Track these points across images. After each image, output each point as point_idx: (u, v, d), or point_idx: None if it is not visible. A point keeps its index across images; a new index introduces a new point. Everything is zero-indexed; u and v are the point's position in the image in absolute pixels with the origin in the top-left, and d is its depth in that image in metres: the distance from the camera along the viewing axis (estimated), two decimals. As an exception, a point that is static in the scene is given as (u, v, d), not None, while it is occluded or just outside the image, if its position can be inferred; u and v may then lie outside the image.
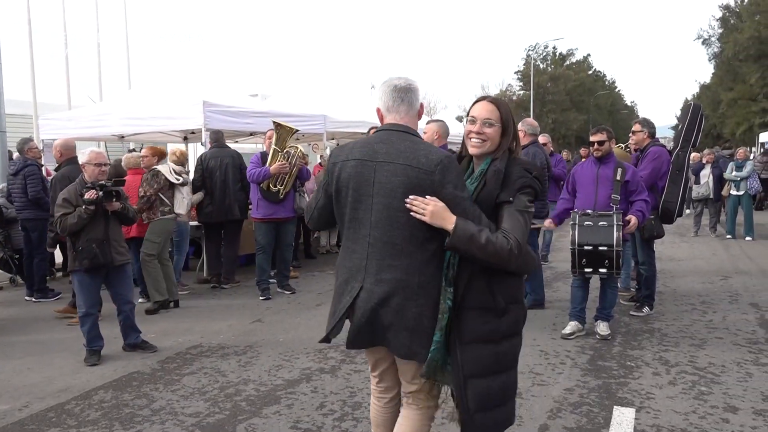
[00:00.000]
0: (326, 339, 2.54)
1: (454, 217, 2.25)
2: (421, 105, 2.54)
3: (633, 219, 5.22)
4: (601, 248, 5.13)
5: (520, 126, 6.61)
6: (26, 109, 11.57)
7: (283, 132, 7.03)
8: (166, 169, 6.83)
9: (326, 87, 14.31)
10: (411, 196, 2.29)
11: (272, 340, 5.51)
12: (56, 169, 6.71)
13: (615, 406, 3.96)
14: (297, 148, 7.23)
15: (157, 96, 9.38)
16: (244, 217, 7.87)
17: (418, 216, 2.27)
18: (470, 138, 2.44)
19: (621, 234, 5.08)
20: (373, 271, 2.38)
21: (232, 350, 5.23)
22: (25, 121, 11.73)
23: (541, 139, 8.12)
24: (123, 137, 10.80)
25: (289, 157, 7.01)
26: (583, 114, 55.06)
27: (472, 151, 2.46)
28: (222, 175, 7.60)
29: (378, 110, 2.53)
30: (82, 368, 4.87)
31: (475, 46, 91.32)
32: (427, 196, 2.28)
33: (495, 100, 2.50)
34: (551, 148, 9.89)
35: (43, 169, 7.81)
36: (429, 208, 2.26)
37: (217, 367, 4.82)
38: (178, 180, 6.86)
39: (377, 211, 2.36)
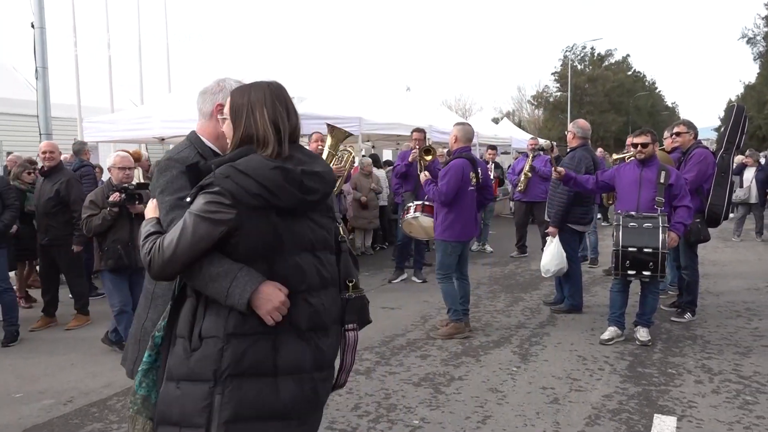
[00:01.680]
0: None
1: (147, 218, 2.02)
2: (217, 105, 2.26)
3: (673, 235, 5.09)
4: (645, 250, 5.02)
5: (570, 127, 6.51)
6: (71, 112, 11.89)
7: (338, 134, 7.08)
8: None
9: (362, 89, 14.34)
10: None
11: (308, 340, 5.54)
12: (44, 173, 6.16)
13: (655, 414, 3.87)
14: (349, 151, 7.27)
15: (195, 99, 9.54)
16: None
17: None
18: None
19: (667, 236, 4.98)
20: None
21: (268, 350, 5.28)
22: (70, 124, 12.05)
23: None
24: (163, 139, 11.03)
25: (342, 161, 7.06)
26: (622, 116, 54.10)
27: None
28: None
29: None
30: (119, 368, 4.97)
31: (512, 46, 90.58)
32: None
33: (234, 89, 2.02)
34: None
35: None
36: (143, 208, 2.15)
37: (253, 366, 4.87)
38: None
39: None
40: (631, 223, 5.13)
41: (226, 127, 2.00)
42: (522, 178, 9.74)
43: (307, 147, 8.16)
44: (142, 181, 6.54)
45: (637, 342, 5.26)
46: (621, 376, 4.57)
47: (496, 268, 9.14)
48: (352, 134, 7.45)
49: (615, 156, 7.43)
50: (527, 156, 10.07)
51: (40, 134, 8.34)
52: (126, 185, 5.07)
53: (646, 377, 4.54)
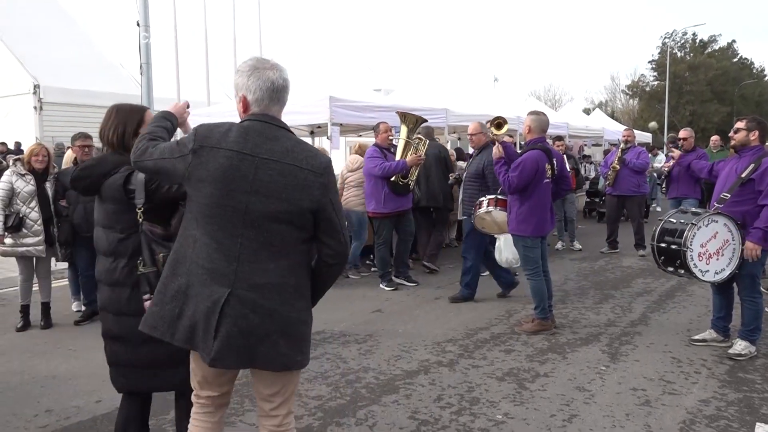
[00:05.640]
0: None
1: None
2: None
3: (748, 245, 4.56)
4: (672, 246, 4.77)
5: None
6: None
7: (409, 120, 7.11)
8: None
9: (448, 80, 14.29)
10: None
11: (391, 330, 5.61)
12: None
13: (758, 423, 3.64)
14: (421, 139, 7.27)
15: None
16: (449, 206, 8.34)
17: None
18: None
19: (694, 234, 4.62)
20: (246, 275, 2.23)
21: (353, 338, 5.39)
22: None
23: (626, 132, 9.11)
24: (255, 131, 11.42)
25: (418, 150, 7.10)
26: (726, 105, 50.77)
27: None
28: (425, 166, 7.66)
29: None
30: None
31: (605, 33, 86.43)
32: None
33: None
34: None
35: None
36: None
37: (338, 353, 4.99)
38: None
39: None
40: (671, 218, 4.91)
41: None
42: (610, 171, 9.39)
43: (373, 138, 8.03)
44: None
45: (729, 351, 4.86)
46: (720, 381, 4.33)
47: (585, 263, 8.86)
48: (425, 120, 7.42)
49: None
50: (618, 148, 9.69)
51: (144, 127, 8.85)
52: None
53: (747, 383, 4.27)
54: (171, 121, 2.65)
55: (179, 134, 2.71)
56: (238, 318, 2.19)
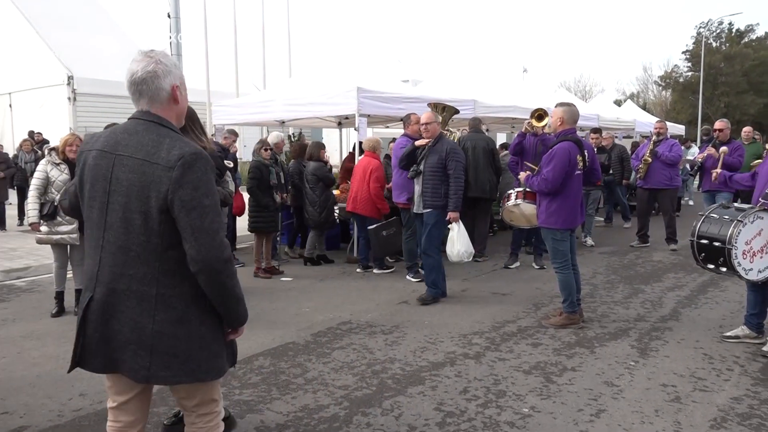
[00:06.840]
0: (73, 366, 2.24)
1: None
2: (175, 87, 2.17)
3: None
4: (715, 243, 4.63)
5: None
6: (201, 97, 12.72)
7: (438, 108, 7.09)
8: None
9: (477, 71, 14.16)
10: None
11: (418, 321, 5.61)
12: None
13: (792, 422, 3.56)
14: (451, 131, 7.26)
15: (314, 83, 9.84)
16: (493, 197, 8.52)
17: None
18: None
19: (740, 231, 4.48)
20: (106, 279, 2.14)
21: (379, 329, 5.40)
22: (200, 108, 12.88)
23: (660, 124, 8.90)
24: (284, 122, 11.50)
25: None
26: (763, 97, 49.35)
27: None
28: (474, 157, 8.19)
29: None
30: (244, 336, 5.28)
31: (638, 23, 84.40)
32: None
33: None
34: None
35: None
36: None
37: (364, 344, 5.01)
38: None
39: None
40: (713, 214, 4.78)
41: (184, 102, 2.24)
42: (642, 163, 9.21)
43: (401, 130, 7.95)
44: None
45: (763, 349, 4.77)
46: (753, 379, 4.24)
47: (615, 257, 8.74)
48: (456, 110, 7.38)
49: None
50: (650, 140, 9.50)
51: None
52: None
53: (782, 382, 4.18)
54: None
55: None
56: (99, 324, 2.14)
